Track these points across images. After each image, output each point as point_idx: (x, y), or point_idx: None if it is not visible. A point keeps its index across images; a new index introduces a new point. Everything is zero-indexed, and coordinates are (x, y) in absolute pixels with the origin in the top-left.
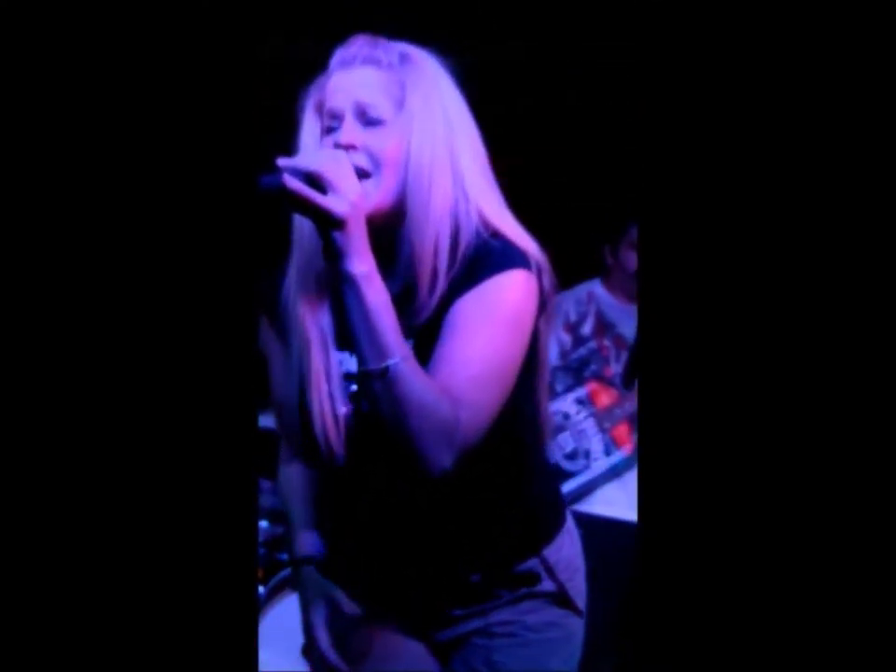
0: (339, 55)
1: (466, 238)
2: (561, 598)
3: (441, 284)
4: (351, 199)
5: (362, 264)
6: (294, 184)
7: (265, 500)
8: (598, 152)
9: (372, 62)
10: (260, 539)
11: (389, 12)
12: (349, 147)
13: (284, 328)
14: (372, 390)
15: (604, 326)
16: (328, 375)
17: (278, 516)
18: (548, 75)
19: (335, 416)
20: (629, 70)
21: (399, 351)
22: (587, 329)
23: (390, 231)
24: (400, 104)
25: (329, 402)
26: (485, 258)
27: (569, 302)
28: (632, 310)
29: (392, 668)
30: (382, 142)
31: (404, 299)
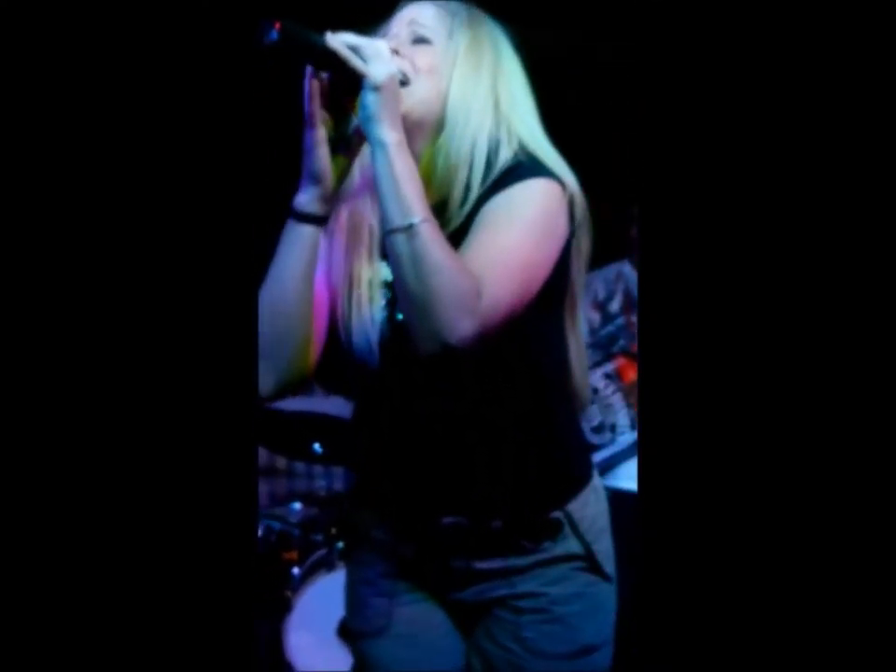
0: None
1: (502, 158)
2: (587, 560)
3: (473, 196)
4: (388, 69)
5: (393, 132)
6: (336, 43)
7: (299, 483)
8: (600, 146)
9: (435, 2)
10: (294, 520)
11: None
12: (393, 53)
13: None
14: (396, 251)
15: (632, 303)
16: (370, 281)
17: (311, 498)
18: (547, 74)
19: (372, 319)
20: (629, 66)
21: (422, 212)
22: (615, 306)
23: (428, 142)
24: (451, 34)
25: (369, 307)
26: (517, 169)
27: (598, 281)
28: None
29: (415, 643)
30: (425, 56)
31: (438, 209)
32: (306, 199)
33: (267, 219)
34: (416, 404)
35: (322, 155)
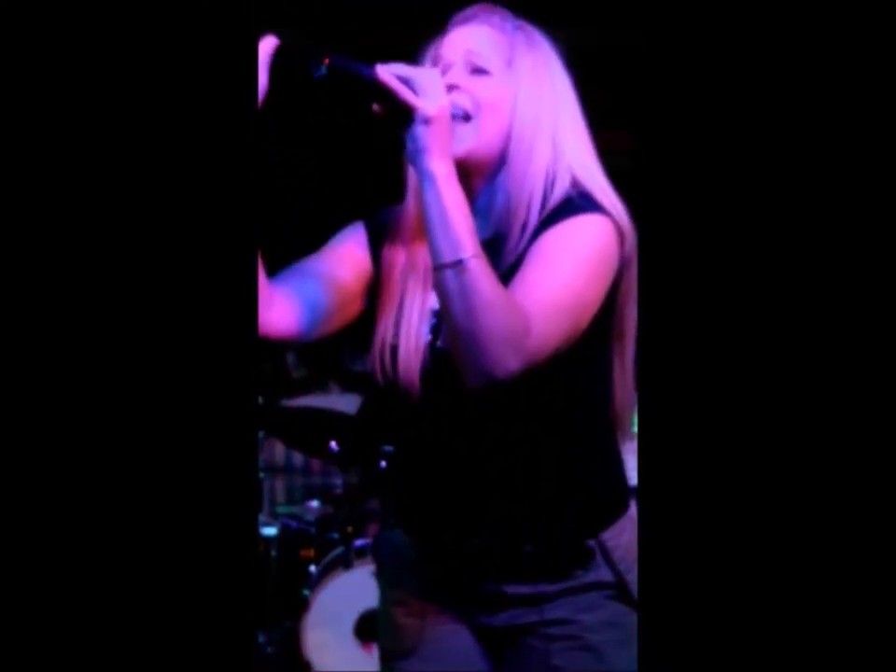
0: (458, 16)
1: (556, 193)
2: (619, 589)
3: (529, 233)
4: (440, 101)
5: (442, 164)
6: (386, 76)
7: (315, 481)
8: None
9: (488, 22)
10: (311, 518)
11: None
12: (453, 88)
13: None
14: (445, 286)
15: None
16: (421, 310)
17: (328, 496)
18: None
19: (416, 347)
20: (629, 62)
21: (472, 248)
22: None
23: (487, 178)
24: (509, 62)
25: (417, 336)
26: (569, 205)
27: None
28: None
29: (443, 665)
30: (486, 90)
31: (492, 245)
32: None
33: (268, 216)
34: (454, 430)
35: None
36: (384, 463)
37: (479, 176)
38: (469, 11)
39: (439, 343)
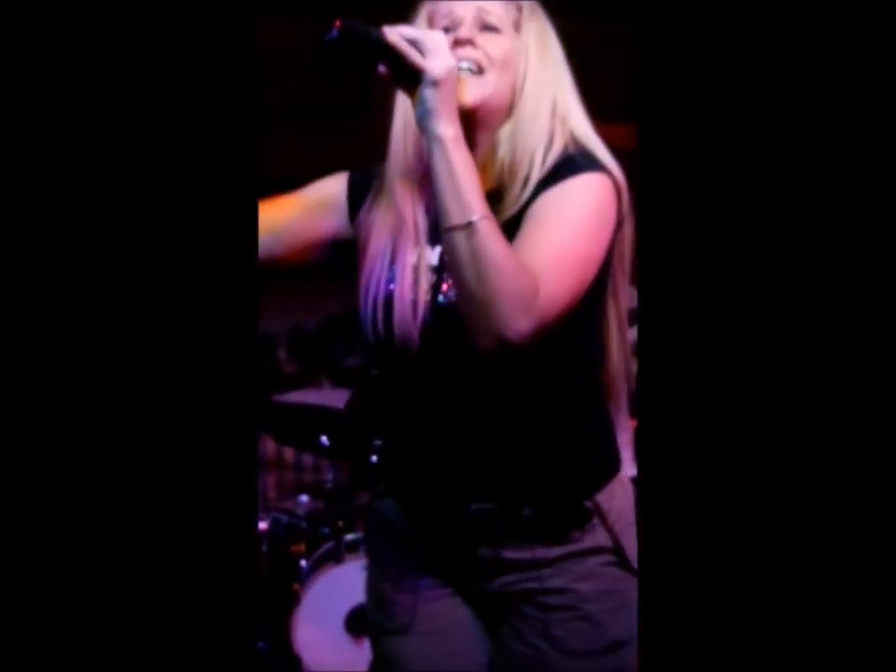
0: None
1: (555, 150)
2: (616, 554)
3: (530, 188)
4: (447, 63)
5: (451, 127)
6: (393, 37)
7: (307, 476)
8: None
9: None
10: (302, 512)
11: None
12: (468, 42)
13: (369, 221)
14: (455, 249)
15: None
16: (415, 266)
17: (319, 491)
18: None
19: (415, 303)
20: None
21: (482, 210)
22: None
23: (490, 131)
24: (517, 25)
25: (413, 291)
26: (569, 163)
27: None
28: None
29: (439, 641)
30: (498, 47)
31: (493, 197)
32: None
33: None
34: (451, 388)
35: None
36: (374, 458)
37: (483, 128)
38: None
39: (439, 298)
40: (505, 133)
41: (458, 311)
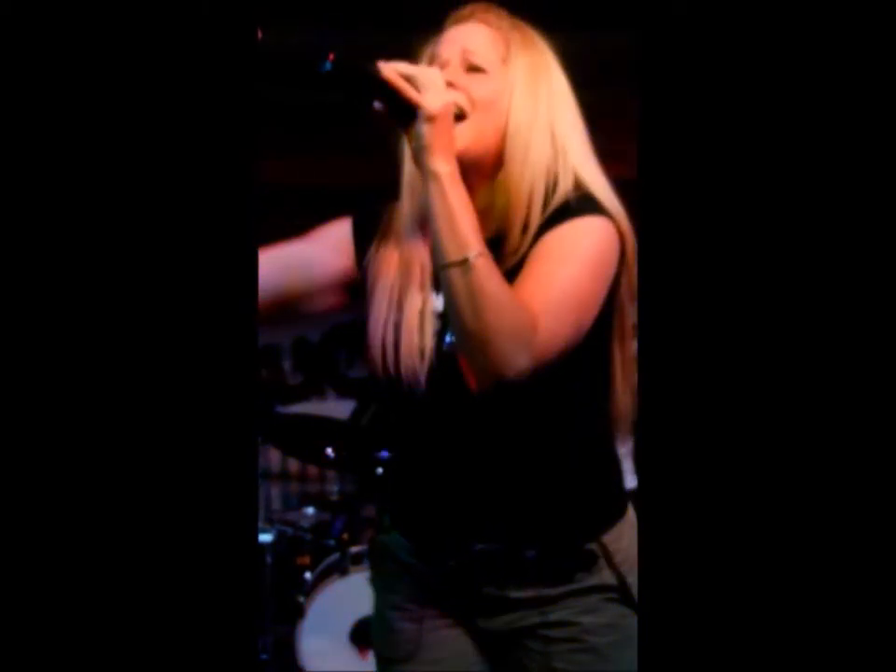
0: (454, 15)
1: (559, 193)
2: (621, 592)
3: (532, 233)
4: (443, 99)
5: (447, 164)
6: (390, 73)
7: (312, 487)
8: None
9: (484, 21)
10: (307, 525)
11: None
12: (449, 86)
13: (377, 264)
14: (451, 286)
15: None
16: (421, 311)
17: (324, 503)
18: None
19: (422, 350)
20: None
21: (478, 246)
22: None
23: (487, 178)
24: (505, 60)
25: (418, 336)
26: (572, 206)
27: None
28: None
29: (442, 670)
30: (482, 88)
31: (494, 245)
32: None
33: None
34: (457, 432)
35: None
36: (380, 470)
37: (478, 175)
38: (465, 10)
39: (444, 346)
40: (500, 178)
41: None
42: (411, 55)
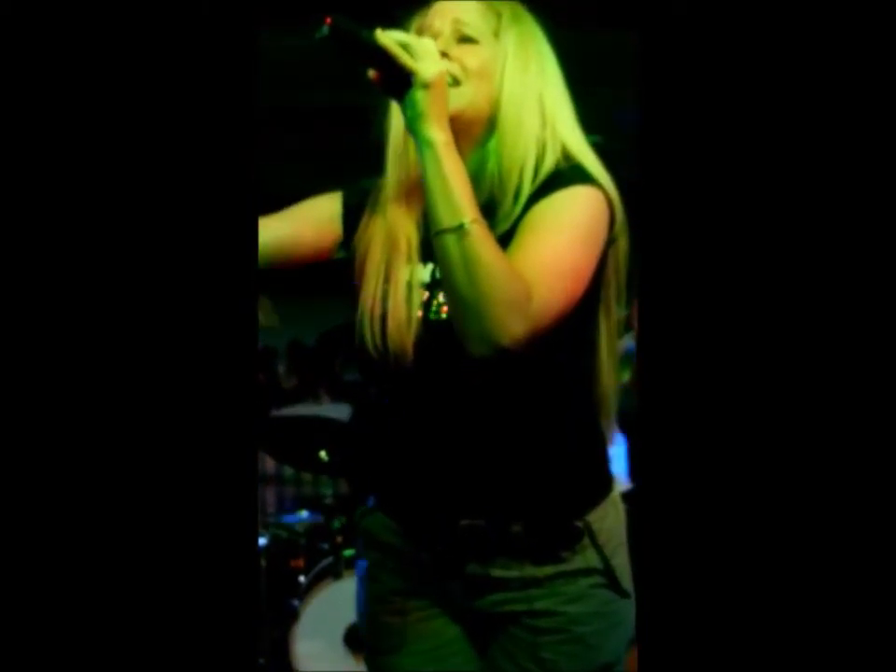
0: None
1: (548, 162)
2: (605, 576)
3: (523, 200)
4: (437, 67)
5: (442, 132)
6: (385, 39)
7: (306, 491)
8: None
9: None
10: (301, 528)
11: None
12: (442, 56)
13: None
14: (446, 252)
15: None
16: (408, 282)
17: (318, 506)
18: None
19: (409, 320)
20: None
21: (472, 213)
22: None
23: (477, 144)
24: (496, 33)
25: (405, 307)
26: (562, 176)
27: None
28: None
29: (430, 660)
30: (474, 58)
31: (485, 211)
32: None
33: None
34: (444, 403)
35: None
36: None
37: (468, 141)
38: None
39: (431, 315)
40: (492, 146)
41: (451, 321)
42: (399, 26)
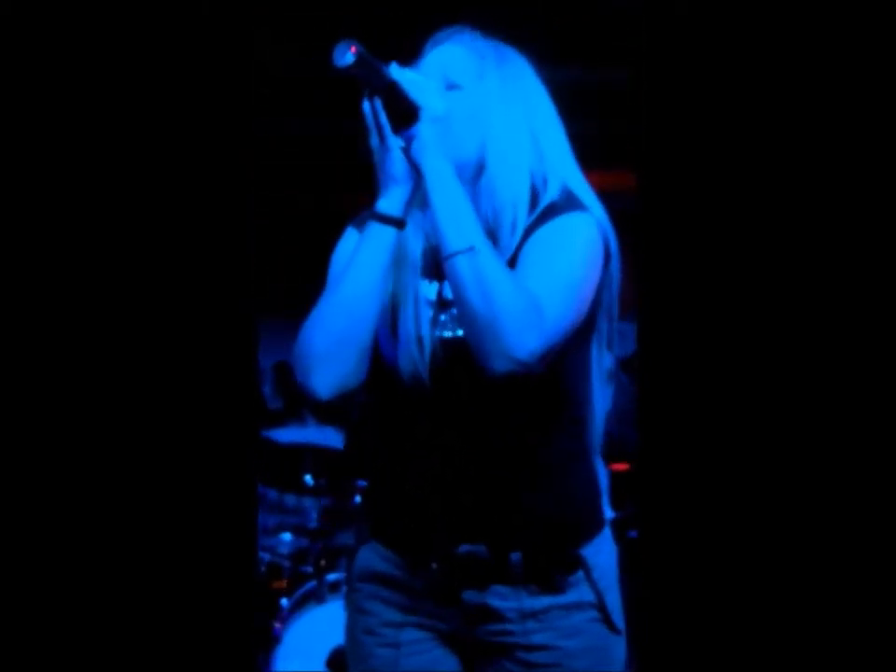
0: (432, 39)
1: (545, 195)
2: (599, 611)
3: (519, 232)
4: (443, 103)
5: (447, 163)
6: (400, 74)
7: (289, 517)
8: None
9: (459, 41)
10: (285, 551)
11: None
12: None
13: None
14: (458, 273)
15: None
16: (415, 300)
17: (301, 530)
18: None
19: (419, 338)
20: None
21: (481, 234)
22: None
23: (471, 184)
24: (480, 76)
25: (414, 325)
26: (558, 205)
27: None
28: None
29: None
30: (458, 102)
31: None
32: (388, 202)
33: (271, 255)
34: (446, 428)
35: (398, 158)
36: (358, 498)
37: (464, 182)
38: (442, 34)
39: (436, 332)
40: (483, 183)
41: (456, 340)
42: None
